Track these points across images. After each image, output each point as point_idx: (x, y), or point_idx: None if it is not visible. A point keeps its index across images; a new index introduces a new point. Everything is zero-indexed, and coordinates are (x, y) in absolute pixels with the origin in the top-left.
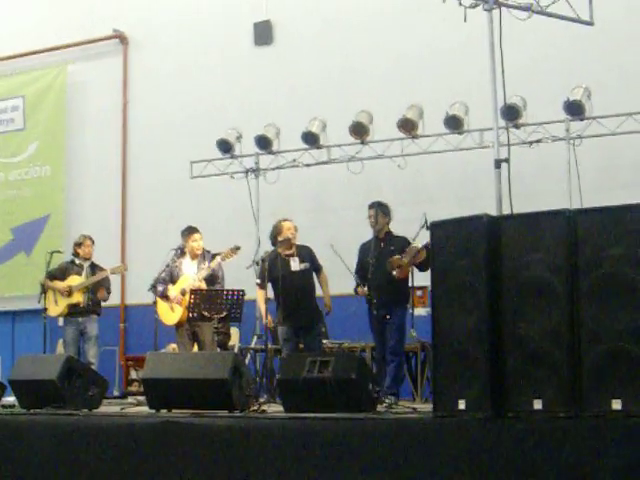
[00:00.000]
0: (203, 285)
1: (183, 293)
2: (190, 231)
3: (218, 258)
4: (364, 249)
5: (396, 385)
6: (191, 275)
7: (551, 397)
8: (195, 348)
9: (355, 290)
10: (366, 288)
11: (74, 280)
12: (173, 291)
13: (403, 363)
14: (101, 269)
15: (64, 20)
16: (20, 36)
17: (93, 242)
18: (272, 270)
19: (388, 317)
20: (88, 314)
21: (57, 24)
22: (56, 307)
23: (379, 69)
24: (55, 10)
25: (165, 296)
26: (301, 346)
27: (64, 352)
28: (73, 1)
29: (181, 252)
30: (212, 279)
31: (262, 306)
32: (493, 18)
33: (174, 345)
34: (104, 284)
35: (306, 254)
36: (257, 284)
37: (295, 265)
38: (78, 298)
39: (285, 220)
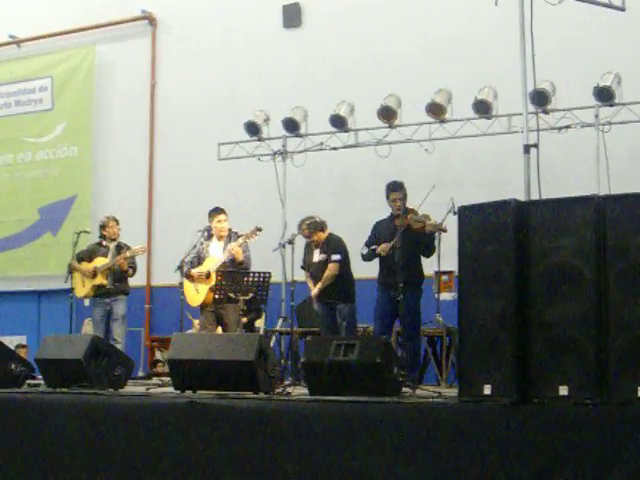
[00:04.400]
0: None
1: (208, 275)
2: (215, 211)
3: (240, 239)
4: (379, 227)
5: (412, 371)
6: (217, 257)
7: (577, 383)
8: (219, 330)
9: (374, 251)
10: (384, 244)
11: (100, 262)
12: (196, 269)
13: (419, 348)
14: (127, 248)
15: (92, 1)
16: (49, 16)
17: (117, 222)
18: (305, 257)
19: (399, 300)
20: (115, 294)
21: (85, 5)
22: (82, 289)
23: (408, 53)
24: None
25: (189, 276)
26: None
27: (90, 332)
28: None
29: (208, 234)
30: (233, 261)
31: (308, 283)
32: (524, 2)
33: (197, 321)
34: (128, 262)
35: (326, 246)
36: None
37: (316, 256)
38: (102, 280)
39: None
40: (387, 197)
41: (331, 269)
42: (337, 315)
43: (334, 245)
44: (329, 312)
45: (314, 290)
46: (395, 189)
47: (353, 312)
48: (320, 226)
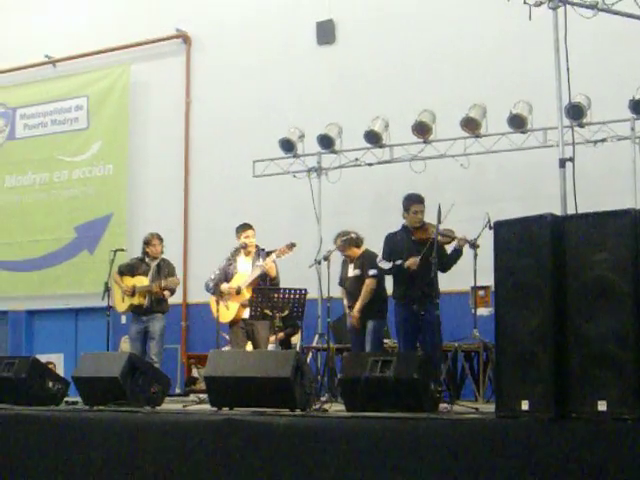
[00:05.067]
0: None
1: (238, 292)
2: (243, 227)
3: (273, 255)
4: (394, 240)
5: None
6: (246, 272)
7: (615, 398)
8: (249, 346)
9: (400, 266)
10: (413, 259)
11: (140, 281)
12: (225, 285)
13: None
14: (167, 271)
15: (127, 20)
16: (84, 36)
17: (161, 240)
18: (342, 273)
19: (423, 314)
20: (152, 313)
21: (120, 24)
22: (122, 304)
23: (442, 67)
24: (118, 10)
25: (218, 292)
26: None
27: (128, 349)
28: (136, 1)
29: (236, 250)
30: (264, 276)
31: (344, 299)
32: (558, 16)
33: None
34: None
35: (362, 261)
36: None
37: (351, 271)
38: (140, 300)
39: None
40: (407, 209)
41: (368, 284)
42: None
43: (370, 261)
44: (361, 334)
45: (355, 308)
46: (419, 201)
47: (380, 328)
48: (355, 242)
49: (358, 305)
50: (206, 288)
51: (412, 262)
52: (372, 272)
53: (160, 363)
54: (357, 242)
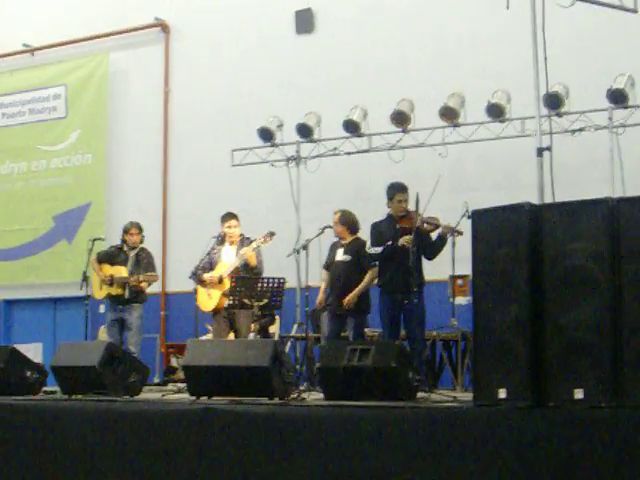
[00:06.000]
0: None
1: (220, 280)
2: (227, 217)
3: (253, 244)
4: (379, 228)
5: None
6: (229, 262)
7: (592, 387)
8: (231, 335)
9: (392, 245)
10: (406, 236)
11: (118, 270)
12: (208, 274)
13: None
14: (147, 262)
15: (106, 9)
16: (62, 24)
17: (141, 230)
18: (329, 256)
19: (406, 302)
20: (129, 303)
21: (98, 13)
22: (100, 291)
23: (420, 57)
24: None
25: (201, 281)
26: (344, 334)
27: (106, 339)
28: None
29: (221, 239)
30: (246, 266)
31: (321, 285)
32: (536, 5)
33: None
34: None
35: (354, 248)
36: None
37: (339, 255)
38: (119, 291)
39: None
40: (391, 198)
41: (371, 274)
42: (346, 327)
43: (357, 247)
44: (338, 325)
45: (353, 293)
46: (403, 190)
47: (362, 322)
48: (350, 223)
49: (357, 291)
50: (190, 275)
51: (406, 239)
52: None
53: (139, 354)
54: (352, 225)
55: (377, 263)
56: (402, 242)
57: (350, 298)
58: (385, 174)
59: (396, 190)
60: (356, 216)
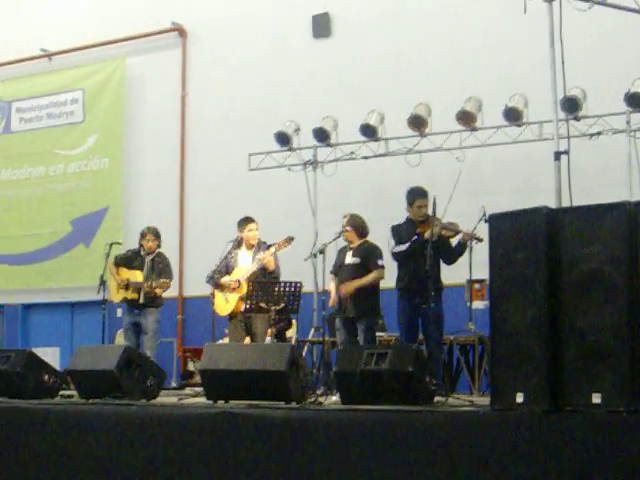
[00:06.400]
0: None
1: (238, 284)
2: (246, 221)
3: (272, 249)
4: (399, 231)
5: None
6: (246, 266)
7: (610, 391)
8: (247, 339)
9: (419, 239)
10: (430, 230)
11: (134, 275)
12: (226, 277)
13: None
14: (161, 268)
15: (123, 13)
16: (80, 29)
17: (157, 236)
18: (338, 259)
19: (424, 307)
20: (145, 307)
21: (116, 17)
22: (117, 294)
23: (437, 61)
24: (114, 3)
25: (218, 285)
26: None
27: (123, 343)
28: None
29: (238, 243)
30: (264, 270)
31: (332, 288)
32: (553, 9)
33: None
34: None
35: (363, 250)
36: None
37: (348, 258)
38: (134, 295)
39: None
40: (411, 203)
41: (377, 275)
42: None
43: (373, 252)
44: (351, 330)
45: (354, 284)
46: (423, 195)
47: (371, 327)
48: (359, 227)
49: (357, 282)
50: (206, 279)
51: (431, 232)
52: (381, 262)
53: (154, 357)
54: (360, 229)
55: (383, 264)
56: (428, 235)
57: (348, 286)
58: (402, 178)
59: (416, 195)
60: (365, 220)
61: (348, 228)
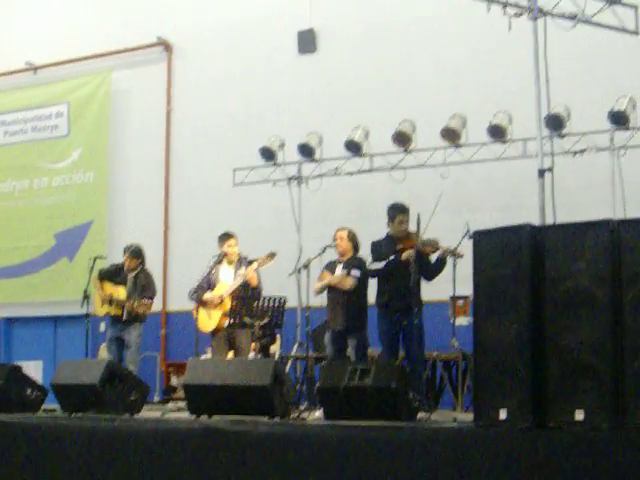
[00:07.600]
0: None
1: (221, 300)
2: (225, 237)
3: (255, 264)
4: (379, 248)
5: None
6: (228, 282)
7: (593, 408)
8: (230, 354)
9: (395, 259)
10: (410, 250)
11: (118, 291)
12: (209, 293)
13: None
14: (143, 286)
15: (109, 27)
16: (65, 43)
17: (135, 255)
18: (329, 273)
19: (405, 323)
20: (128, 322)
21: (102, 31)
22: (101, 308)
23: (422, 78)
24: (100, 17)
25: (201, 301)
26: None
27: (106, 357)
28: (118, 9)
29: (219, 259)
30: (246, 286)
31: (325, 277)
32: (537, 27)
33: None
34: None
35: (353, 263)
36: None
37: (338, 271)
38: (117, 311)
39: (338, 230)
40: (392, 218)
41: (349, 281)
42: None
43: (358, 263)
44: (340, 345)
45: (317, 285)
46: (404, 211)
47: (362, 341)
48: (356, 241)
49: (326, 282)
50: (189, 295)
51: (408, 254)
52: (355, 273)
53: (137, 372)
54: (356, 244)
55: (359, 276)
56: (405, 256)
57: (318, 286)
58: (386, 194)
59: (398, 211)
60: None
61: (346, 241)
